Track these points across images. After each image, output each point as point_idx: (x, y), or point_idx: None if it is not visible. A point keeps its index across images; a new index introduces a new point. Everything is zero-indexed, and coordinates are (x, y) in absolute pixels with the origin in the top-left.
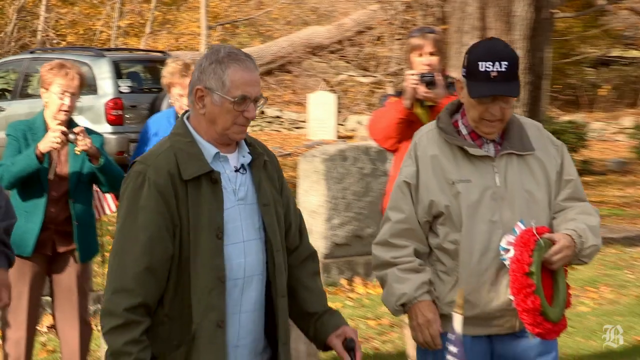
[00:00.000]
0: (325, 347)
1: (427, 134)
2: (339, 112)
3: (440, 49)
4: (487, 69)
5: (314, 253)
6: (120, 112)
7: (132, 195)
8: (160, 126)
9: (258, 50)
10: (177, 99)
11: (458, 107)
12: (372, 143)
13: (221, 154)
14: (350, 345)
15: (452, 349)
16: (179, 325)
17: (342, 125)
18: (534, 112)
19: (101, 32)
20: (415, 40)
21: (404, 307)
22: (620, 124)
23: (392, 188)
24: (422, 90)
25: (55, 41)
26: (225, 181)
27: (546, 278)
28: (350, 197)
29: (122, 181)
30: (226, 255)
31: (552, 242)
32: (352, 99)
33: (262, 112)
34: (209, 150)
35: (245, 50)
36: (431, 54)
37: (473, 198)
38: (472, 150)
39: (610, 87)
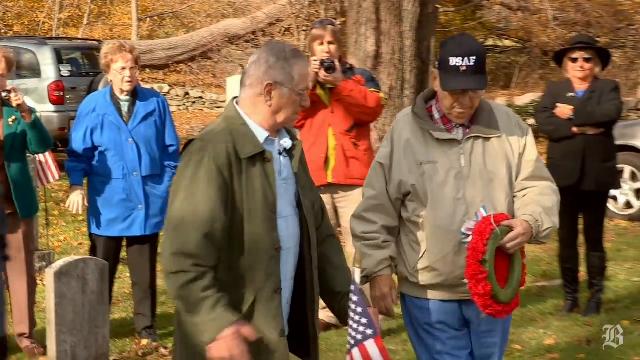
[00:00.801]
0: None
1: (403, 118)
2: None
3: (338, 39)
4: (457, 64)
5: (334, 232)
6: (61, 94)
7: (193, 170)
8: (97, 102)
9: (182, 39)
10: (119, 72)
11: (434, 94)
12: None
13: (269, 137)
14: None
15: (354, 297)
16: (233, 292)
17: None
18: (421, 92)
19: (44, 23)
20: (317, 31)
21: (367, 279)
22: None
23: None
24: (322, 74)
25: (3, 31)
26: (273, 161)
27: (502, 261)
28: None
29: (181, 157)
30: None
31: (510, 229)
32: None
33: (187, 94)
34: (260, 132)
35: (170, 40)
36: (330, 43)
37: (438, 178)
38: (437, 134)
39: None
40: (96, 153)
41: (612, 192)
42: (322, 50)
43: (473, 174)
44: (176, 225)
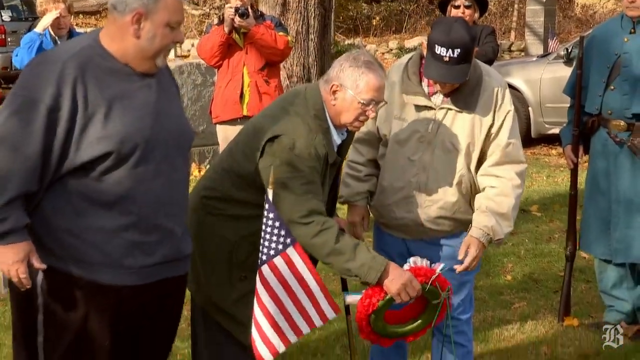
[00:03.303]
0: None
1: (397, 67)
2: None
3: None
4: (442, 54)
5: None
6: (3, 36)
7: (294, 160)
8: (32, 39)
9: None
10: (53, 20)
11: None
12: (202, 61)
13: (339, 142)
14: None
15: (270, 214)
16: None
17: (179, 47)
18: (323, 37)
19: None
20: None
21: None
22: (388, 46)
23: (218, 95)
24: (237, 20)
25: None
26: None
27: (418, 305)
28: (186, 102)
29: (279, 152)
30: None
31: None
32: (186, 27)
33: None
34: (335, 139)
35: None
36: None
37: (401, 135)
38: (407, 99)
39: (380, 18)
40: None
41: None
42: None
43: (435, 141)
44: (291, 201)
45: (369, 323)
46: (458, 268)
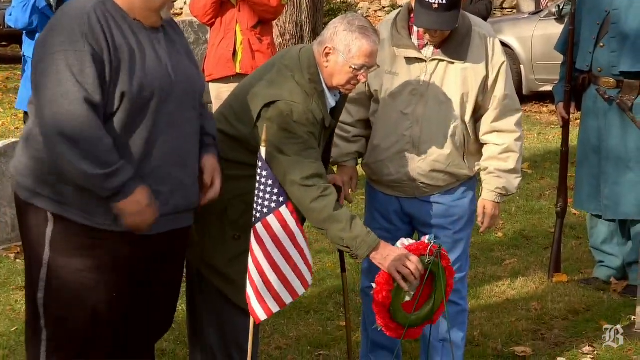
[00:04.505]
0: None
1: (386, 22)
2: None
3: None
4: (430, 1)
5: None
6: None
7: (292, 126)
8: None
9: None
10: None
11: None
12: (194, 19)
13: (333, 104)
14: None
15: (263, 172)
16: None
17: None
18: None
19: None
20: None
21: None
22: (381, 4)
23: (211, 53)
24: None
25: None
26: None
27: (427, 288)
28: None
29: (276, 117)
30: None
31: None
32: None
33: None
34: (329, 101)
35: None
36: None
37: (394, 89)
38: (399, 51)
39: None
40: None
41: None
42: None
43: (428, 94)
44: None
45: (392, 318)
46: (481, 228)
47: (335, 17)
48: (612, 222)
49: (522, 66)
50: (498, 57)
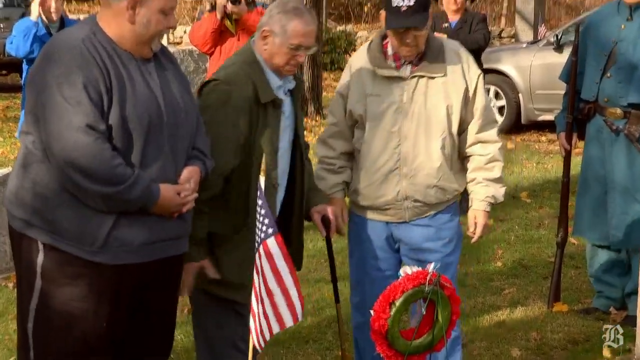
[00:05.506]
0: (307, 218)
1: (361, 51)
2: None
3: None
4: (398, 5)
5: (307, 145)
6: None
7: (217, 109)
8: (28, 28)
9: None
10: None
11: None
12: (194, 48)
13: (280, 83)
14: (326, 223)
15: (259, 201)
16: (237, 216)
17: (171, 34)
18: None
19: None
20: None
21: None
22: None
23: None
24: (229, 6)
25: None
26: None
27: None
28: None
29: (205, 96)
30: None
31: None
32: (179, 14)
33: None
34: (274, 80)
35: None
36: None
37: (378, 110)
38: (379, 71)
39: (371, 4)
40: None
41: None
42: None
43: (412, 110)
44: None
45: (391, 346)
46: (474, 238)
47: (334, 46)
48: (614, 252)
49: (520, 95)
50: (473, 69)
